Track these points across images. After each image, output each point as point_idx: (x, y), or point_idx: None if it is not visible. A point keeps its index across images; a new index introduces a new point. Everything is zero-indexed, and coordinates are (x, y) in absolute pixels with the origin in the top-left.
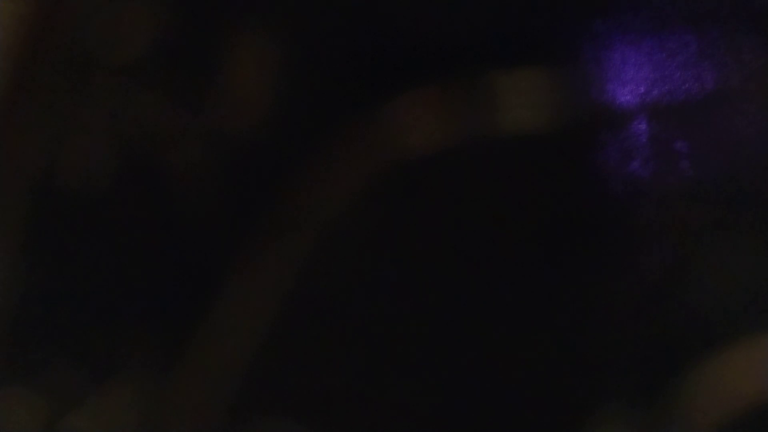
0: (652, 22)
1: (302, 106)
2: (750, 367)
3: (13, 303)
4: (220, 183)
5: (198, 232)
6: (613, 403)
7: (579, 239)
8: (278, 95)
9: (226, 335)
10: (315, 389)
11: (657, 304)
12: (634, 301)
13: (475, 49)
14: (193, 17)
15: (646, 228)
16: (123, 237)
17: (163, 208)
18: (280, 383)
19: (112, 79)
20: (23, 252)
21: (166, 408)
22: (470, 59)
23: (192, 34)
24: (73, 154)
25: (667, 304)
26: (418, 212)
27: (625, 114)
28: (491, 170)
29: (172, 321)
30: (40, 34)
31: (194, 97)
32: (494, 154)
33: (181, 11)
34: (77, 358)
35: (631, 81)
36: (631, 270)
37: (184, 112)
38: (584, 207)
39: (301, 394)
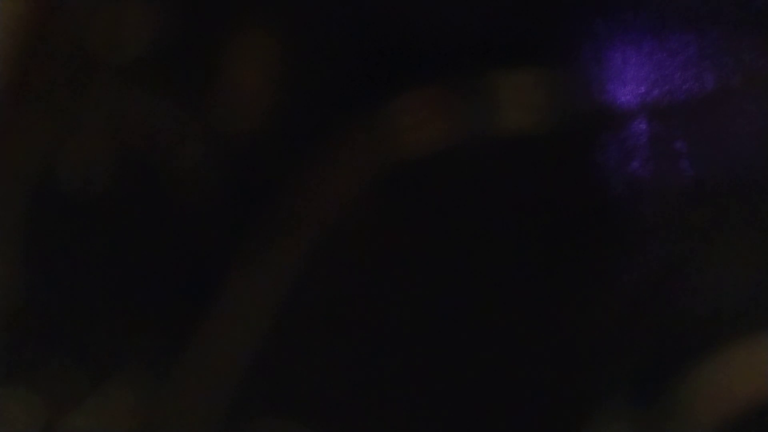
0: (652, 22)
1: (302, 107)
2: (750, 367)
3: (13, 303)
4: (220, 183)
5: (198, 233)
6: (613, 403)
7: (579, 239)
8: (278, 95)
9: (226, 335)
10: (314, 389)
11: (657, 304)
12: (634, 300)
13: (475, 49)
14: (193, 17)
15: (646, 228)
16: (123, 237)
17: (162, 208)
18: (279, 383)
19: (112, 79)
20: (23, 253)
21: (166, 408)
22: (470, 59)
23: (192, 34)
24: (73, 154)
25: (666, 303)
26: (419, 212)
27: (625, 114)
28: (491, 170)
29: (172, 321)
30: (40, 34)
31: (194, 97)
32: (494, 154)
33: (181, 11)
34: (77, 358)
35: (631, 81)
36: (631, 269)
37: (184, 112)
38: (584, 207)
39: (301, 394)
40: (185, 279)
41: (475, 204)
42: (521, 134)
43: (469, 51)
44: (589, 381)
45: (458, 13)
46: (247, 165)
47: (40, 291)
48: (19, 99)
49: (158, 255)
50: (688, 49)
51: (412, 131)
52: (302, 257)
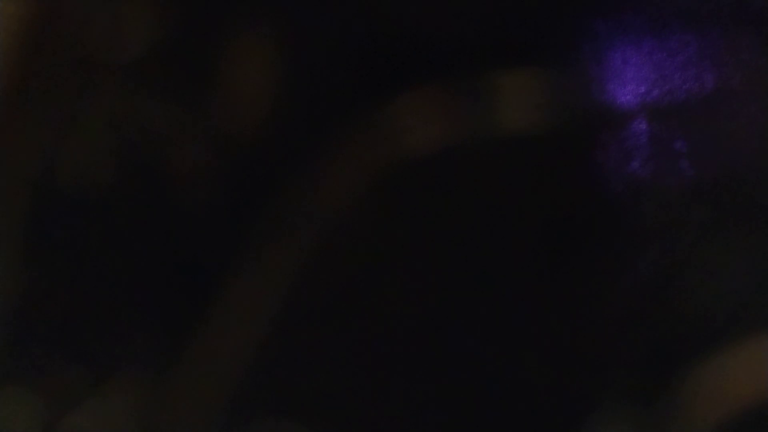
0: (652, 22)
1: (303, 107)
2: (750, 367)
3: (13, 303)
4: (220, 183)
5: (198, 233)
6: (613, 403)
7: (579, 239)
8: (278, 95)
9: (226, 335)
10: (314, 389)
11: (656, 304)
12: (634, 300)
13: (475, 49)
14: (193, 17)
15: (646, 228)
16: (123, 237)
17: (162, 208)
18: (279, 383)
19: (112, 79)
20: (23, 252)
21: (166, 408)
22: (470, 59)
23: (192, 34)
24: (73, 154)
25: (666, 303)
26: (419, 211)
27: (625, 114)
28: (491, 170)
29: (172, 321)
30: (40, 34)
31: (194, 97)
32: (494, 154)
33: (181, 11)
34: (77, 358)
35: (631, 81)
36: (631, 269)
37: (184, 112)
38: (584, 207)
39: (301, 394)
40: (185, 279)
41: (475, 204)
42: (521, 134)
43: (469, 51)
44: (589, 381)
45: (458, 13)
46: (248, 165)
47: (41, 291)
48: (20, 98)
49: (158, 255)
50: (688, 49)
51: (413, 131)
52: (302, 257)
